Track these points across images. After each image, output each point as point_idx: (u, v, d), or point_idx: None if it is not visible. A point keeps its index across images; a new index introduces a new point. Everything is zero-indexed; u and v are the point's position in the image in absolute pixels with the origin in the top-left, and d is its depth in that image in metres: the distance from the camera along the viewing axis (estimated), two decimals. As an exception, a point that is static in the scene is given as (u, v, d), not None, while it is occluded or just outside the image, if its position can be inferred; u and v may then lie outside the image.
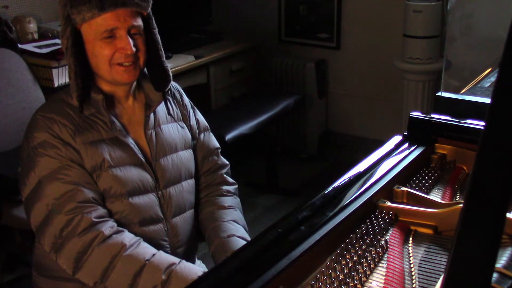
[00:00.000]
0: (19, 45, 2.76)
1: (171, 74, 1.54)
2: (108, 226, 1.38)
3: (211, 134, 1.71)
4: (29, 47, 2.77)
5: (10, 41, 2.76)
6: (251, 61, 3.73)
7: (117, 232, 1.38)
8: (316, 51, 3.85)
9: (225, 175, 1.70)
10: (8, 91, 2.47)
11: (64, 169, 1.38)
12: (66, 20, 1.39)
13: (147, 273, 1.34)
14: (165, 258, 1.38)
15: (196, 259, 1.74)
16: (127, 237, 1.39)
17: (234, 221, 1.60)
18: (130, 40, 1.40)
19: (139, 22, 1.43)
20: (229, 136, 2.88)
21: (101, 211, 1.39)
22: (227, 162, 1.73)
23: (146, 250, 1.38)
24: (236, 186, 1.72)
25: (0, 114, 2.42)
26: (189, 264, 1.39)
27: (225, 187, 1.68)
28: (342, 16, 3.70)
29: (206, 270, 1.73)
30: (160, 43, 1.52)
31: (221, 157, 1.72)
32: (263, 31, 3.98)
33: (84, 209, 1.36)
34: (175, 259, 1.38)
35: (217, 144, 1.71)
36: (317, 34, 3.83)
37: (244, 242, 1.54)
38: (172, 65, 3.09)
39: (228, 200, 1.66)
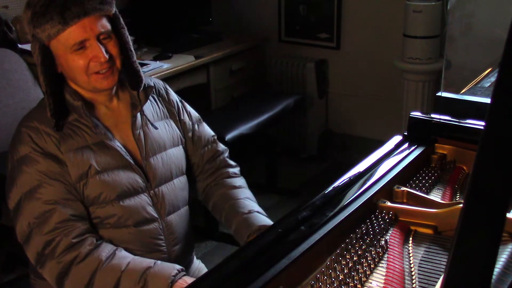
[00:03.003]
0: (19, 45, 2.76)
1: (142, 75, 1.51)
2: (87, 244, 1.38)
3: (204, 123, 1.72)
4: (29, 47, 2.77)
5: (10, 41, 2.76)
6: (251, 61, 3.73)
7: (95, 247, 1.39)
8: (316, 51, 3.84)
9: (227, 159, 1.72)
10: (8, 91, 2.48)
11: (42, 188, 1.38)
12: (34, 38, 1.38)
13: (124, 284, 1.36)
14: (139, 264, 1.38)
15: (195, 259, 1.74)
16: (104, 251, 1.39)
17: (248, 198, 1.63)
18: (102, 47, 1.38)
19: (107, 25, 1.40)
20: (229, 136, 2.87)
21: (80, 228, 1.39)
22: (226, 147, 1.75)
23: (121, 260, 1.39)
24: (239, 167, 1.74)
25: (0, 114, 2.42)
26: (163, 265, 1.40)
27: (230, 170, 1.70)
28: (342, 16, 3.70)
29: (204, 269, 1.74)
30: (130, 43, 1.48)
31: (219, 143, 1.73)
32: (263, 31, 3.98)
33: (63, 230, 1.37)
34: (150, 263, 1.39)
35: (212, 132, 1.72)
36: (317, 34, 3.83)
37: (265, 217, 1.55)
38: (172, 65, 3.09)
39: (237, 181, 1.68)
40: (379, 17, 3.57)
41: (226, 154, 1.73)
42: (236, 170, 1.72)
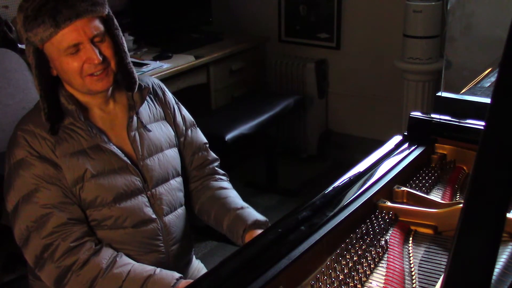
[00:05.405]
0: (19, 45, 2.75)
1: (136, 76, 1.50)
2: (85, 250, 1.38)
3: (198, 129, 1.71)
4: (29, 47, 2.76)
5: (10, 41, 2.76)
6: (251, 61, 3.73)
7: (94, 253, 1.39)
8: (316, 51, 3.84)
9: (216, 168, 1.71)
10: (8, 91, 2.47)
11: (39, 192, 1.38)
12: (27, 41, 1.37)
13: None
14: (139, 274, 1.39)
15: (194, 258, 1.74)
16: (104, 257, 1.39)
17: (236, 197, 1.63)
18: (95, 50, 1.37)
19: (100, 27, 1.38)
20: (229, 136, 2.88)
21: (78, 232, 1.39)
22: (217, 157, 1.73)
23: (122, 268, 1.39)
24: (227, 177, 1.73)
25: (0, 114, 2.42)
26: (162, 273, 1.40)
27: (217, 176, 1.70)
28: (342, 16, 3.70)
29: (203, 269, 1.74)
30: (124, 44, 1.46)
31: (211, 151, 1.72)
32: (263, 31, 3.98)
33: (60, 234, 1.37)
34: (150, 271, 1.40)
35: (204, 139, 1.71)
36: (317, 34, 3.83)
37: (257, 213, 1.56)
38: (172, 65, 3.09)
39: (224, 183, 1.68)
40: (379, 17, 3.57)
41: (216, 164, 1.72)
42: (223, 177, 1.71)
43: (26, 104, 2.49)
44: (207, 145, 1.71)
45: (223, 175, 1.72)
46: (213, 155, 1.72)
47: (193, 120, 1.70)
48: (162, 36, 3.50)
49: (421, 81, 3.25)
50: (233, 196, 1.62)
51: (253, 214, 1.55)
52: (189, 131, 1.66)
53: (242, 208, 1.56)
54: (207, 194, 1.65)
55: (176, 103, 1.67)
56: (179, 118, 1.64)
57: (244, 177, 3.55)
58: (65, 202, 1.40)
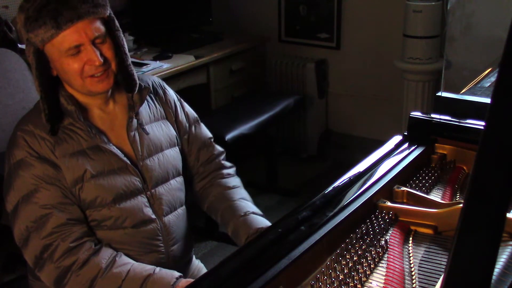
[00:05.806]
0: (19, 45, 2.76)
1: (136, 78, 1.49)
2: (85, 250, 1.38)
3: (202, 124, 1.71)
4: (29, 47, 2.76)
5: (10, 41, 2.76)
6: (251, 61, 3.73)
7: (94, 253, 1.39)
8: (316, 51, 3.84)
9: (222, 161, 1.72)
10: (8, 91, 2.47)
11: (38, 192, 1.38)
12: (28, 41, 1.37)
13: None
14: (139, 273, 1.39)
15: (194, 258, 1.74)
16: (103, 257, 1.39)
17: (243, 199, 1.63)
18: (96, 51, 1.36)
19: (101, 28, 1.37)
20: (229, 136, 2.88)
21: (77, 232, 1.40)
22: (222, 149, 1.74)
23: (121, 268, 1.39)
24: (234, 168, 1.74)
25: (0, 114, 2.42)
26: (162, 272, 1.40)
27: (225, 171, 1.70)
28: (342, 16, 3.70)
29: (203, 269, 1.74)
30: (125, 46, 1.45)
31: (216, 145, 1.72)
32: (263, 31, 3.98)
33: (60, 235, 1.37)
34: (150, 270, 1.40)
35: (209, 134, 1.71)
36: (317, 34, 3.83)
37: (261, 218, 1.56)
38: (172, 65, 3.09)
39: (232, 181, 1.68)
40: (379, 17, 3.57)
41: (222, 157, 1.72)
42: (231, 170, 1.72)
43: (26, 104, 2.49)
44: (212, 139, 1.71)
45: (230, 167, 1.72)
46: (218, 148, 1.72)
47: (196, 116, 1.70)
48: (162, 36, 3.50)
49: (421, 81, 3.25)
50: (238, 199, 1.62)
51: (256, 221, 1.54)
52: (193, 128, 1.67)
53: (245, 214, 1.56)
54: (215, 193, 1.65)
55: (178, 100, 1.66)
56: (181, 116, 1.64)
57: (244, 177, 3.52)
58: (64, 202, 1.40)
